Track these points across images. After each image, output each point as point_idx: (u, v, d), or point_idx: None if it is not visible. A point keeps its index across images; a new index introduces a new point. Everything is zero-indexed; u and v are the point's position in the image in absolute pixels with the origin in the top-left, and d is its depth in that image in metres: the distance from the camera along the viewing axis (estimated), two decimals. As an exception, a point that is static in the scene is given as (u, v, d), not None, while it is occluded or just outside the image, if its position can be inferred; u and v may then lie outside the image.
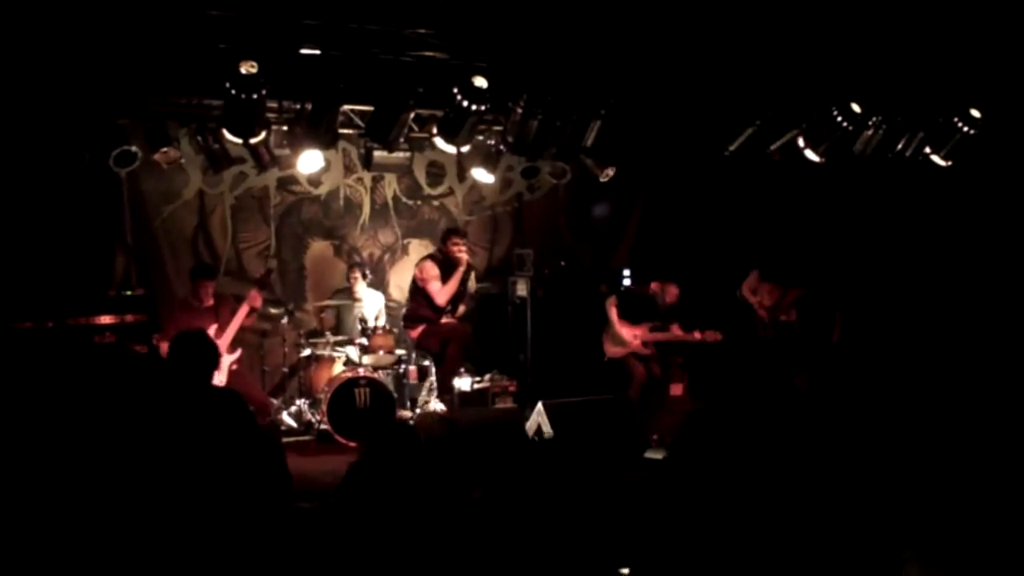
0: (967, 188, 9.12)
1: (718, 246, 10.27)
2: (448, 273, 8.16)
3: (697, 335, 8.64)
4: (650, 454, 7.38)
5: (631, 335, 8.67)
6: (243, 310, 7.37)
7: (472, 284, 8.44)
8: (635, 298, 8.94)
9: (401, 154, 8.72)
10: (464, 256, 8.17)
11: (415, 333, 8.26)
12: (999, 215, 9.04)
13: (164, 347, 7.14)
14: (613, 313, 8.70)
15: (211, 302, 7.39)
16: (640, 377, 8.67)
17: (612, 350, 8.75)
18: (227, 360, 7.28)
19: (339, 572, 3.45)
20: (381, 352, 8.17)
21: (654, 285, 8.97)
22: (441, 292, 8.11)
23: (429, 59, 7.13)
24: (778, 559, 2.86)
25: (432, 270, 8.18)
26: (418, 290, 8.30)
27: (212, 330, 7.22)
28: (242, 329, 7.85)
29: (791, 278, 8.89)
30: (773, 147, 8.50)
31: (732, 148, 8.49)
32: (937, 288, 9.21)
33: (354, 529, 3.42)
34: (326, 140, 7.54)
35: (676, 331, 8.71)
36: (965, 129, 8.42)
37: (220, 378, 7.24)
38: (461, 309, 8.56)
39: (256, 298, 7.49)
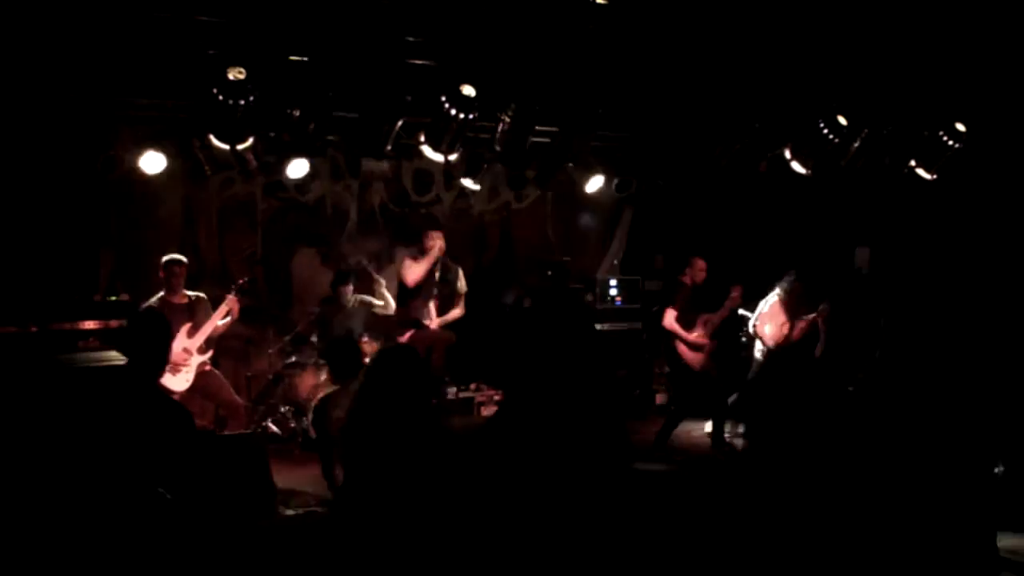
0: (953, 201, 9.17)
1: (708, 255, 10.30)
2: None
3: (735, 294, 8.17)
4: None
5: (699, 338, 8.26)
6: (219, 312, 7.37)
7: (462, 285, 8.36)
8: (685, 301, 8.34)
9: (389, 162, 8.71)
10: (438, 243, 8.05)
11: (402, 340, 8.22)
12: (984, 228, 9.09)
13: None
14: (679, 330, 8.18)
15: (185, 299, 7.36)
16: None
17: (695, 358, 8.26)
18: (197, 360, 7.27)
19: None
20: (367, 360, 8.13)
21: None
22: (411, 270, 8.03)
23: (418, 67, 7.13)
24: None
25: (407, 260, 8.14)
26: (401, 288, 8.25)
27: (185, 329, 7.21)
28: (225, 335, 7.82)
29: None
30: (762, 163, 8.53)
31: (723, 161, 8.50)
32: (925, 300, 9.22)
33: None
34: (314, 147, 7.53)
35: (730, 301, 8.20)
36: (951, 143, 8.47)
37: (188, 377, 7.22)
38: (454, 313, 8.44)
39: (234, 303, 7.47)
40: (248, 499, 6.03)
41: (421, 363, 3.86)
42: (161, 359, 4.32)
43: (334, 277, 8.88)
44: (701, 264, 8.31)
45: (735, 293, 8.11)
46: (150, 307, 6.93)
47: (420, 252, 8.17)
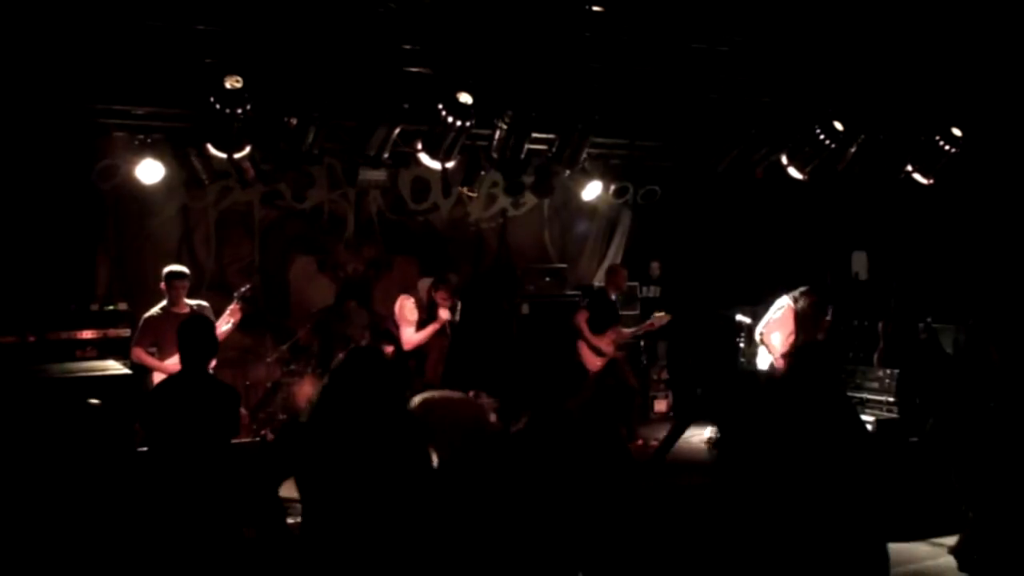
0: (950, 206, 9.19)
1: (706, 262, 10.32)
2: (426, 320, 7.94)
3: (653, 323, 8.84)
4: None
5: (605, 345, 8.62)
6: (223, 319, 7.33)
7: (455, 315, 8.31)
8: (600, 306, 8.78)
9: (386, 170, 8.71)
10: (445, 315, 7.90)
11: (390, 349, 8.07)
12: (982, 232, 9.11)
13: (136, 353, 7.09)
14: (586, 329, 8.60)
15: (187, 309, 7.32)
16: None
17: (594, 362, 8.61)
18: None
19: None
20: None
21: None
22: (411, 340, 7.89)
23: (414, 75, 7.13)
24: None
25: (412, 313, 7.94)
26: (394, 321, 8.18)
27: None
28: (224, 345, 7.79)
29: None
30: (758, 169, 8.52)
31: (721, 168, 8.49)
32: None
33: None
34: (311, 156, 7.53)
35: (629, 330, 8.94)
36: (947, 148, 8.48)
37: None
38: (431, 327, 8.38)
39: (237, 311, 7.44)
40: (246, 508, 6.01)
41: (386, 364, 3.82)
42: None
43: (339, 290, 8.87)
44: (623, 274, 9.07)
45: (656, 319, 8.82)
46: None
47: (427, 306, 8.03)
